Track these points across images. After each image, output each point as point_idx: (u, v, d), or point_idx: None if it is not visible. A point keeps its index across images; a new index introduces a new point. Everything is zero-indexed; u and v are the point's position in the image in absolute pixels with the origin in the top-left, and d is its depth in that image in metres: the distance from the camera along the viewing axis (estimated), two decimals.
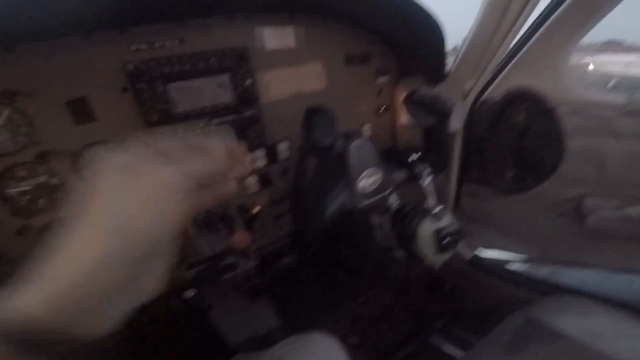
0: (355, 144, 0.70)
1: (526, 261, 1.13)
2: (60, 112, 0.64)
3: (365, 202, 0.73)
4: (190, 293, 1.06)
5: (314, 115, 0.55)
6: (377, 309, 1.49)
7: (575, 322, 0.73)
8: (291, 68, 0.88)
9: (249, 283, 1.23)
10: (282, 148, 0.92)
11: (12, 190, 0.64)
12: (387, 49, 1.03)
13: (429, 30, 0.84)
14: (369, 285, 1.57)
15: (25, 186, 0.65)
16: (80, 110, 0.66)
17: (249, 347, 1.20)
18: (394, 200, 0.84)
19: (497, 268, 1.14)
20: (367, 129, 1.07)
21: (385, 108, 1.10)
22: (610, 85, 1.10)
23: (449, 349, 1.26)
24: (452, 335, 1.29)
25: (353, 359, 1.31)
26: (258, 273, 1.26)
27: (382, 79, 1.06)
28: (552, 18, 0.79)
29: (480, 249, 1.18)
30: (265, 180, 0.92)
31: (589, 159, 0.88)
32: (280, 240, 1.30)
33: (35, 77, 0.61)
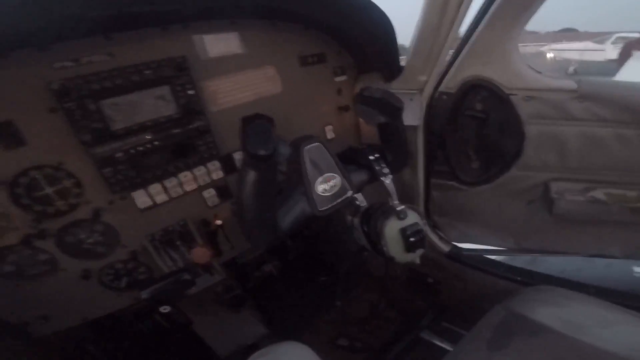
0: (309, 147, 0.67)
1: (503, 252, 1.13)
2: None
3: (326, 207, 0.70)
4: (166, 309, 1.02)
5: (249, 123, 0.52)
6: (363, 308, 1.47)
7: (555, 313, 0.73)
8: (241, 74, 0.85)
9: (230, 294, 1.20)
10: (238, 157, 0.87)
11: None
12: (342, 47, 1.01)
13: (379, 26, 0.83)
14: (350, 285, 1.55)
15: None
16: (7, 135, 0.61)
17: (238, 356, 1.18)
18: (362, 200, 0.81)
19: (475, 260, 1.14)
20: (329, 131, 1.04)
21: (346, 107, 1.08)
22: (570, 70, 1.11)
23: (440, 342, 1.24)
24: (440, 329, 1.27)
25: None
26: (238, 283, 1.22)
27: (340, 78, 1.04)
28: (494, 5, 0.78)
29: (456, 241, 1.17)
30: (224, 192, 0.88)
31: (550, 144, 0.88)
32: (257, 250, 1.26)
33: None
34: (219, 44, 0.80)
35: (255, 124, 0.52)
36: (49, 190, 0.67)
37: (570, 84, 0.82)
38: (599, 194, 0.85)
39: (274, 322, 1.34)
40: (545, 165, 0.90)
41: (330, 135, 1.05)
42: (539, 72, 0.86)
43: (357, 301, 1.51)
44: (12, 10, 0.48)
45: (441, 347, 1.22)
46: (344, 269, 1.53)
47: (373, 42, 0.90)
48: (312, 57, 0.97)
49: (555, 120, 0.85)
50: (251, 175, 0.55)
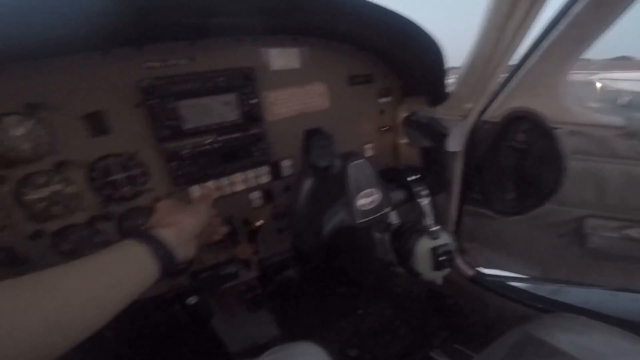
0: (354, 164, 0.72)
1: (527, 280, 1.13)
2: (78, 124, 0.68)
3: (363, 220, 0.75)
4: (193, 300, 1.08)
5: (313, 136, 0.58)
6: (377, 322, 1.49)
7: (574, 340, 0.72)
8: (296, 88, 0.91)
9: (252, 293, 1.25)
10: (285, 165, 0.94)
11: (30, 197, 0.68)
12: (389, 70, 1.05)
13: (429, 52, 0.86)
14: (370, 299, 1.57)
15: (42, 193, 0.69)
16: (96, 124, 0.70)
17: (248, 355, 1.22)
18: (394, 218, 0.86)
19: (498, 286, 1.14)
20: (368, 149, 1.09)
21: (387, 128, 1.11)
22: (620, 102, 1.09)
23: None
24: (451, 351, 1.27)
25: None
26: (260, 284, 1.28)
27: (385, 100, 1.08)
28: (548, 39, 0.79)
29: (482, 267, 1.18)
30: (268, 195, 0.94)
31: (589, 180, 0.88)
32: (283, 253, 1.32)
33: (58, 92, 0.65)
34: (282, 58, 0.87)
35: (319, 137, 0.58)
36: (120, 176, 0.74)
37: (618, 120, 0.82)
38: (634, 232, 0.84)
39: (287, 325, 1.39)
40: (582, 201, 0.90)
41: (369, 153, 1.09)
42: (587, 107, 0.86)
43: (372, 315, 1.53)
44: (117, 13, 0.54)
45: None
46: (365, 283, 1.55)
47: (422, 68, 0.93)
48: (360, 77, 1.01)
49: (598, 157, 0.85)
50: (308, 183, 0.61)
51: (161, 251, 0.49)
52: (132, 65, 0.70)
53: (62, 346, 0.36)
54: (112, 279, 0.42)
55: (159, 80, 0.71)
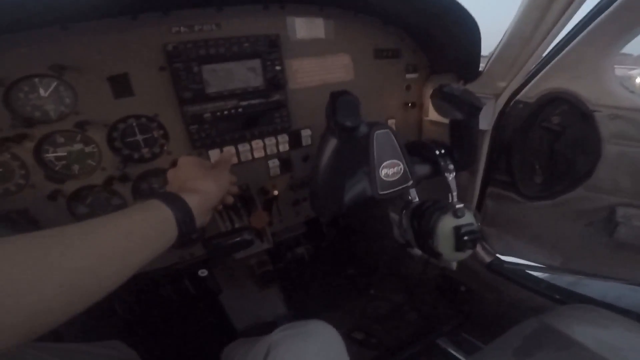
0: (380, 132, 0.70)
1: (547, 269, 1.10)
2: (103, 86, 0.68)
3: (385, 192, 0.73)
4: (203, 272, 1.09)
5: (339, 97, 0.56)
6: (386, 306, 1.48)
7: (591, 332, 0.70)
8: (319, 58, 0.90)
9: (262, 269, 1.26)
10: (305, 135, 0.93)
11: (50, 155, 0.69)
12: (418, 45, 1.02)
13: (464, 28, 0.83)
14: (380, 282, 1.56)
15: (61, 152, 0.69)
16: (121, 86, 0.70)
17: (255, 332, 1.20)
18: (414, 196, 0.83)
19: (515, 274, 1.11)
20: (392, 124, 1.06)
21: (412, 104, 1.08)
22: None
23: (455, 351, 1.23)
24: (459, 340, 1.26)
25: (356, 354, 1.30)
26: (271, 260, 1.29)
27: (411, 76, 1.05)
28: (596, 21, 0.75)
29: (500, 254, 1.15)
30: (286, 164, 0.93)
31: (626, 167, 0.83)
32: (296, 229, 1.31)
33: (84, 54, 0.65)
34: (307, 27, 0.86)
35: (346, 97, 0.56)
36: (139, 137, 0.75)
37: None
38: None
39: (295, 304, 1.39)
40: (617, 188, 0.85)
41: (392, 126, 1.07)
42: (632, 92, 0.81)
43: (381, 299, 1.52)
44: None
45: (456, 357, 1.21)
46: (377, 265, 1.54)
47: (455, 44, 0.90)
48: (387, 52, 0.99)
49: (638, 142, 0.81)
50: (332, 144, 0.59)
51: (186, 218, 0.48)
52: (158, 29, 0.70)
53: (76, 308, 0.33)
54: (135, 240, 0.40)
55: (184, 45, 0.71)
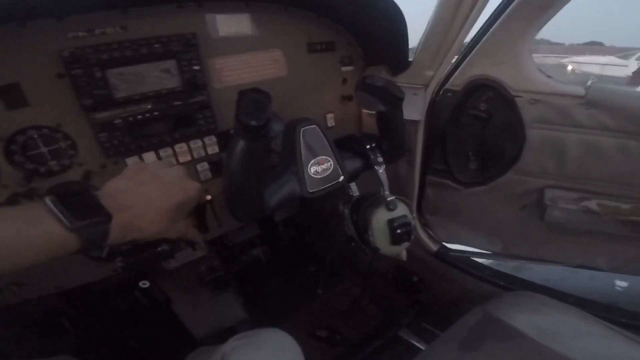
0: (306, 129, 0.68)
1: (491, 256, 1.13)
2: None
3: (315, 190, 0.70)
4: (145, 284, 1.02)
5: (244, 94, 0.53)
6: (346, 302, 1.48)
7: (531, 319, 0.73)
8: (248, 54, 0.85)
9: (213, 275, 1.21)
10: None
11: None
12: (352, 38, 1.01)
13: (391, 19, 0.82)
14: (338, 278, 1.56)
15: None
16: (11, 96, 0.64)
17: (216, 339, 1.23)
18: (355, 190, 0.82)
19: (462, 261, 1.14)
20: (330, 119, 1.05)
21: (350, 97, 1.07)
22: (587, 85, 1.11)
23: (417, 342, 1.26)
24: (419, 329, 1.28)
25: (323, 351, 1.30)
26: (224, 265, 1.24)
27: (347, 68, 1.04)
28: (511, 6, 0.77)
29: (445, 242, 1.17)
30: (217, 167, 0.89)
31: (550, 150, 0.87)
32: (250, 231, 1.27)
33: None
34: (231, 24, 0.81)
35: (251, 95, 0.53)
36: (44, 149, 0.68)
37: (578, 89, 0.81)
38: (592, 204, 0.84)
39: (255, 307, 1.36)
40: (543, 171, 0.89)
41: (330, 123, 1.05)
42: (549, 76, 0.85)
43: (340, 294, 1.53)
44: None
45: (418, 347, 1.24)
46: (330, 258, 1.54)
47: (384, 35, 0.89)
48: (321, 45, 0.96)
49: (558, 125, 0.84)
50: (240, 146, 0.56)
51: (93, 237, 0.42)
52: (53, 36, 0.64)
53: None
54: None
55: (83, 50, 0.66)
